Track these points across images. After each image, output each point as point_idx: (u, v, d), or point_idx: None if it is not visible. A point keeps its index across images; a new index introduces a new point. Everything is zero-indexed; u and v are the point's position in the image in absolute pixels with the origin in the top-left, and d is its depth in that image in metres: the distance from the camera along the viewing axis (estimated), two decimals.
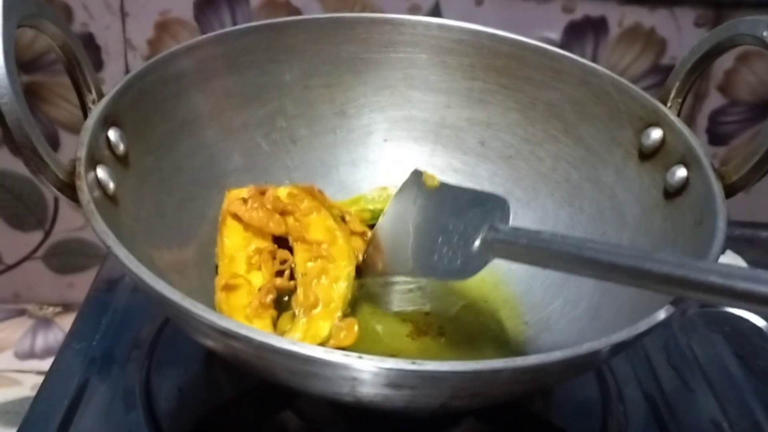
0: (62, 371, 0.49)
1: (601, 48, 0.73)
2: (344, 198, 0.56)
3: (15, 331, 0.80)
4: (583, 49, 0.72)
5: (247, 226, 0.49)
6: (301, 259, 0.48)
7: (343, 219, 0.51)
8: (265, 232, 0.49)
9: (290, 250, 0.49)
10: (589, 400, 0.50)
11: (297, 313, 0.46)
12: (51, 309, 0.83)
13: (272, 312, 0.45)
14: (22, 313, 0.83)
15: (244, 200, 0.49)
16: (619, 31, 0.72)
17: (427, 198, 0.49)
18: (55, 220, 0.80)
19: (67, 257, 0.82)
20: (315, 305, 0.45)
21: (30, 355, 0.77)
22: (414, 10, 0.70)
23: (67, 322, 0.82)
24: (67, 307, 0.84)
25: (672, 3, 0.71)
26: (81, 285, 0.83)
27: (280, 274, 0.48)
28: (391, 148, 0.59)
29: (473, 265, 0.45)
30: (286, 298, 0.48)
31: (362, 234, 0.52)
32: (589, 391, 0.51)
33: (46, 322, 0.82)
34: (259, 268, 0.47)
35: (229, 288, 0.46)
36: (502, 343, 0.48)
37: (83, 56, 0.45)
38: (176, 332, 0.51)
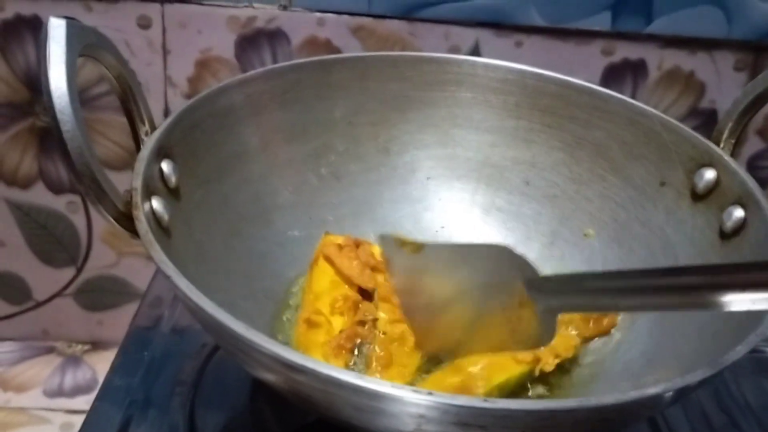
0: (104, 409, 0.48)
1: (639, 91, 0.72)
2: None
3: (43, 368, 0.79)
4: (621, 91, 0.71)
5: (338, 271, 0.49)
6: (384, 318, 0.48)
7: None
8: (353, 282, 0.49)
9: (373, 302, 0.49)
10: None
11: (369, 365, 0.45)
12: (80, 347, 0.82)
13: (347, 357, 0.45)
14: (50, 350, 0.82)
15: (340, 246, 0.50)
16: (658, 74, 0.72)
17: (425, 267, 0.47)
18: (88, 256, 0.80)
19: (97, 294, 0.82)
20: (389, 364, 0.45)
21: (59, 393, 0.76)
22: (453, 51, 0.70)
23: (96, 360, 0.81)
24: (96, 345, 0.83)
25: (711, 47, 0.71)
26: (110, 323, 0.83)
27: (361, 323, 0.47)
28: (434, 186, 0.59)
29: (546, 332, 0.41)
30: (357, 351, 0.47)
31: None
32: None
33: (74, 360, 0.81)
34: (342, 314, 0.47)
35: (310, 323, 0.46)
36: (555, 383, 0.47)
37: (137, 88, 0.45)
38: (221, 368, 0.50)
